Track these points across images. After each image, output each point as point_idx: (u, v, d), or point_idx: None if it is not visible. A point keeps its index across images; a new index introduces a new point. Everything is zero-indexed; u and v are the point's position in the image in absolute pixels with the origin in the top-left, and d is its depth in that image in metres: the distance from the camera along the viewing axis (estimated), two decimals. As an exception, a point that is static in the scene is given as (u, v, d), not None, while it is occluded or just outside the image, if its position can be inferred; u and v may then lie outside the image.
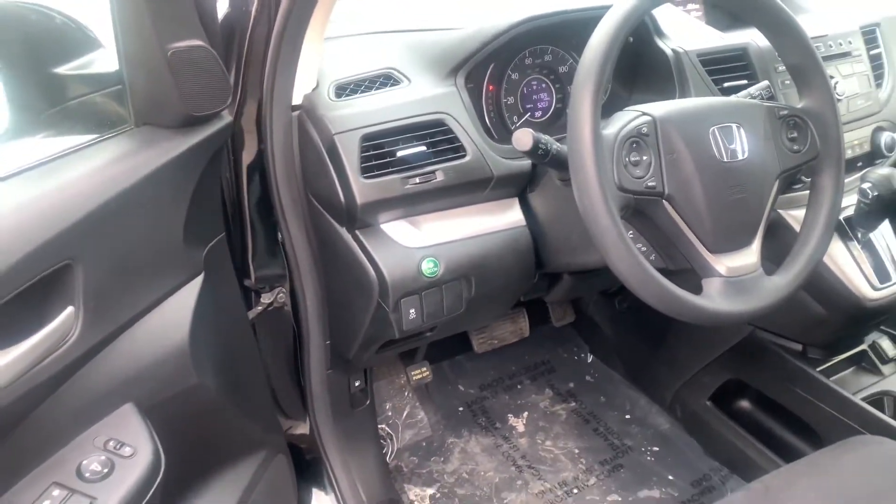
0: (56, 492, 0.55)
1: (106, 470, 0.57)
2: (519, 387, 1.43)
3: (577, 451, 1.30)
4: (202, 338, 0.71)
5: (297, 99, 0.82)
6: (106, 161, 0.62)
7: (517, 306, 1.40)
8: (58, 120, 0.65)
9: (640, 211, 0.72)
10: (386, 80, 0.87)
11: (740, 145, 0.74)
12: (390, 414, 1.31)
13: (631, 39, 0.95)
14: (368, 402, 1.15)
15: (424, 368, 1.28)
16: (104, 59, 0.69)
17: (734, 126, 0.74)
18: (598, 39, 0.68)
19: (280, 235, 0.90)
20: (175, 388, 0.68)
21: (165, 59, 0.62)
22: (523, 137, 0.72)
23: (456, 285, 0.86)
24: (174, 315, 0.68)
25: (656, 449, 1.30)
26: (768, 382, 1.15)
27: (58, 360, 0.56)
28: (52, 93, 0.66)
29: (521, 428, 1.35)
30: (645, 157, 0.71)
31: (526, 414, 1.38)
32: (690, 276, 0.75)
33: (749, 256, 0.74)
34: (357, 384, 1.11)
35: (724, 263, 0.73)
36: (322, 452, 1.07)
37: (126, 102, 0.66)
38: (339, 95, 0.84)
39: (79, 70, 0.67)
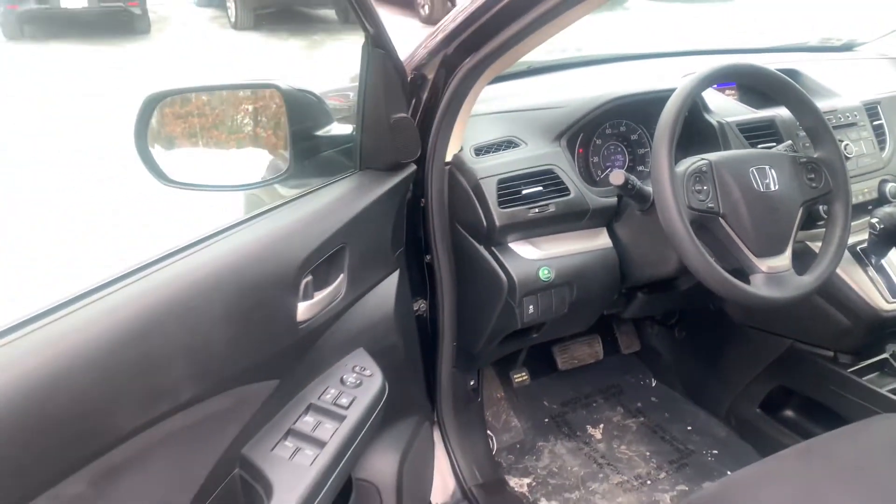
0: (332, 391, 0.85)
1: (358, 382, 0.87)
2: (594, 404, 1.69)
3: (647, 453, 1.55)
4: (398, 312, 1.02)
5: (448, 157, 1.16)
6: (350, 188, 0.95)
7: (593, 332, 1.69)
8: (312, 165, 1.00)
9: (703, 225, 1.03)
10: (509, 143, 1.20)
11: (772, 180, 1.05)
12: (490, 420, 1.58)
13: (686, 114, 1.29)
14: (479, 399, 1.43)
15: (524, 374, 1.57)
16: (335, 128, 1.04)
17: (767, 167, 1.05)
18: (669, 109, 1.01)
19: (428, 257, 1.21)
20: (383, 343, 0.98)
21: (389, 125, 0.97)
22: (618, 176, 1.04)
23: (563, 289, 1.17)
24: (385, 292, 1.00)
25: (716, 452, 1.54)
26: (808, 385, 1.40)
27: (333, 307, 0.87)
28: (311, 147, 1.00)
29: (598, 436, 1.60)
30: (705, 187, 1.02)
31: (602, 426, 1.63)
32: (737, 274, 1.04)
33: (783, 260, 1.04)
34: (471, 383, 1.40)
35: (765, 263, 1.02)
36: (443, 436, 1.34)
37: (355, 154, 1.00)
38: (477, 154, 1.17)
39: (325, 133, 1.02)
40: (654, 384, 1.75)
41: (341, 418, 0.82)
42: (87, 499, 0.56)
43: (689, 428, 1.61)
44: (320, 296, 0.84)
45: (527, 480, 1.47)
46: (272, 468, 0.74)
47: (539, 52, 1.12)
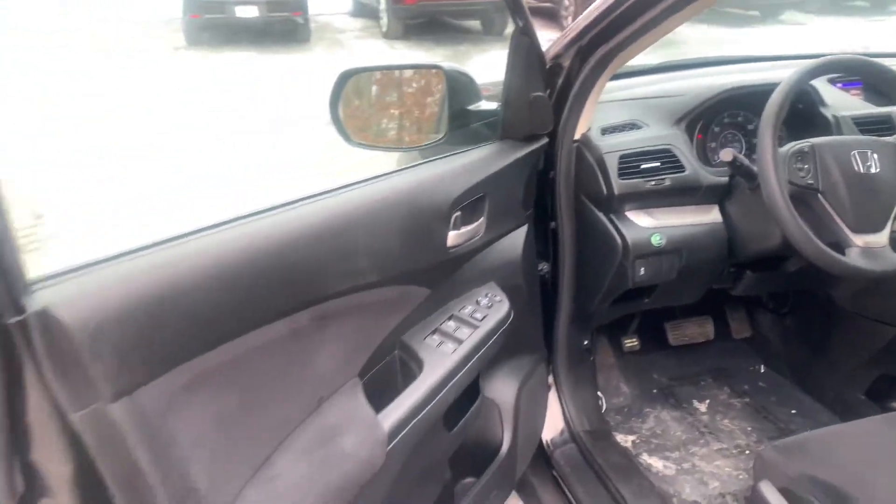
0: (469, 307, 1.06)
1: (490, 304, 1.08)
2: (702, 382, 1.80)
3: (749, 428, 1.64)
4: (524, 259, 1.22)
5: (577, 136, 1.34)
6: (492, 152, 1.16)
7: (705, 314, 1.80)
8: (462, 133, 1.22)
9: (803, 200, 1.15)
10: (632, 125, 1.37)
11: (874, 164, 1.15)
12: (601, 383, 1.73)
13: (801, 106, 1.39)
14: (592, 359, 1.59)
15: (634, 340, 1.72)
16: (483, 104, 1.26)
17: (869, 152, 1.15)
18: (775, 96, 1.14)
19: (553, 223, 1.40)
20: (511, 282, 1.18)
21: (528, 101, 1.17)
22: (727, 153, 1.19)
23: (672, 256, 1.32)
24: (515, 242, 1.20)
25: (818, 433, 1.60)
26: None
27: (474, 243, 1.08)
28: (463, 119, 1.23)
29: (703, 409, 1.71)
30: (806, 166, 1.14)
31: (708, 401, 1.74)
32: (834, 248, 1.14)
33: (881, 237, 1.13)
34: (585, 343, 1.57)
35: (861, 238, 1.12)
36: (556, 384, 1.52)
37: (497, 125, 1.21)
38: (603, 134, 1.35)
39: (475, 108, 1.24)
40: (762, 370, 1.82)
41: (475, 327, 1.03)
42: (308, 332, 0.81)
43: (794, 411, 1.68)
44: (465, 229, 1.05)
45: (631, 438, 1.62)
46: (424, 352, 0.96)
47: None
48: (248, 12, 8.78)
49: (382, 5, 9.40)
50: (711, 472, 1.51)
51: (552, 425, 1.50)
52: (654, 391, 1.76)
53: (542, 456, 1.50)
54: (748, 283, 1.46)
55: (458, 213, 1.03)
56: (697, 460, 1.54)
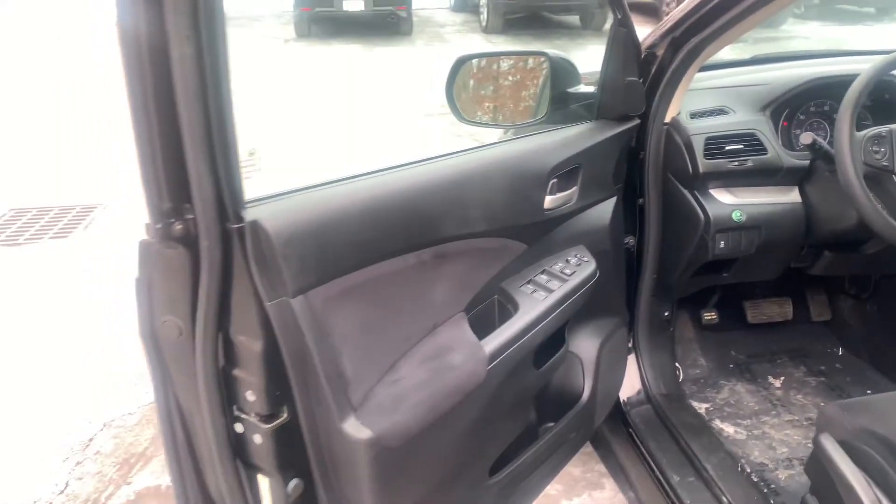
0: (560, 264, 1.22)
1: (578, 263, 1.24)
2: (779, 360, 1.88)
3: (822, 403, 1.72)
4: (612, 227, 1.37)
5: (667, 119, 1.47)
6: (588, 129, 1.32)
7: (784, 295, 1.89)
8: (561, 112, 1.38)
9: (878, 182, 1.24)
10: (720, 111, 1.49)
11: None
12: (679, 355, 1.85)
13: (887, 96, 1.47)
14: (672, 330, 1.72)
15: (713, 313, 1.83)
16: (581, 88, 1.42)
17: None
18: (855, 84, 1.24)
19: (641, 200, 1.53)
20: (598, 248, 1.33)
21: (623, 85, 1.32)
22: (807, 136, 1.29)
23: (752, 232, 1.43)
24: (605, 211, 1.35)
25: (892, 414, 1.67)
26: None
27: (567, 208, 1.24)
28: (563, 100, 1.39)
29: (777, 385, 1.80)
30: (883, 149, 1.23)
31: (783, 378, 1.82)
32: None
33: (955, 219, 1.21)
34: (665, 314, 1.69)
35: (935, 219, 1.21)
36: (636, 349, 1.65)
37: (594, 106, 1.37)
38: (692, 118, 1.47)
39: (574, 90, 1.40)
40: (840, 352, 1.88)
41: (564, 281, 1.19)
42: (429, 267, 0.99)
43: (869, 391, 1.74)
44: (560, 195, 1.22)
45: (705, 405, 1.73)
46: (519, 297, 1.13)
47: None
48: (355, 6, 9.17)
49: (483, 0, 9.57)
50: (781, 439, 1.60)
51: (630, 387, 1.64)
52: (731, 366, 1.86)
53: (619, 414, 1.64)
54: (826, 263, 1.55)
55: (555, 181, 1.20)
56: (768, 428, 1.64)
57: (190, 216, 0.72)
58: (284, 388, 0.82)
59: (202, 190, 0.70)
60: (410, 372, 0.96)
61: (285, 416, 0.83)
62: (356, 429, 0.85)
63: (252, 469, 0.86)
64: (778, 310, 1.88)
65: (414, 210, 0.97)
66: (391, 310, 0.96)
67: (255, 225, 0.76)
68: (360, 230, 0.89)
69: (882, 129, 1.25)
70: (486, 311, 1.15)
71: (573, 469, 2.05)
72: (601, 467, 1.99)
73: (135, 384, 2.42)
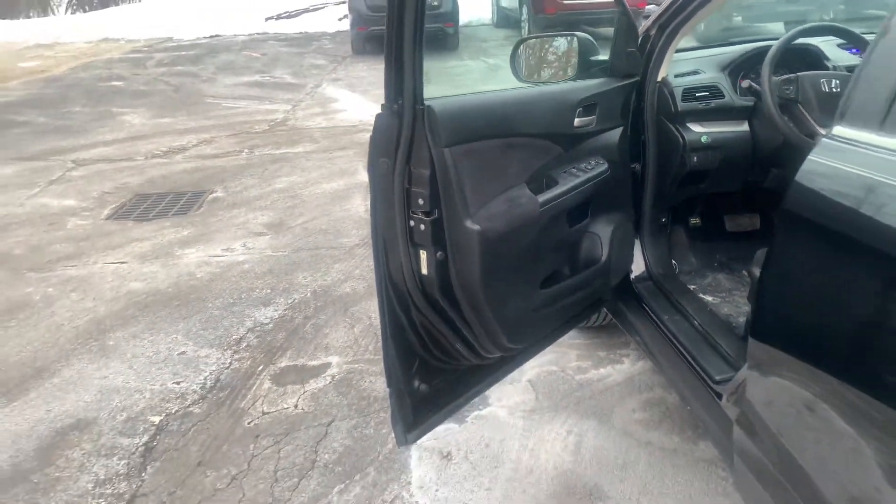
0: (583, 165, 1.95)
1: (595, 165, 1.95)
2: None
3: (780, 285, 2.39)
4: (620, 146, 2.08)
5: (658, 78, 2.19)
6: (603, 81, 2.04)
7: (755, 210, 2.57)
8: (584, 73, 2.12)
9: (788, 109, 1.93)
10: (694, 72, 2.20)
11: (836, 86, 1.91)
12: (675, 254, 2.53)
13: (808, 60, 2.16)
14: (668, 232, 2.42)
15: (698, 219, 2.52)
16: (599, 56, 2.15)
17: (833, 80, 1.92)
18: (769, 52, 1.95)
19: (643, 136, 2.24)
20: (610, 158, 2.03)
21: (626, 55, 2.05)
22: (746, 82, 2.00)
23: (715, 150, 2.13)
24: (613, 136, 2.06)
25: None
26: None
27: (589, 129, 1.95)
28: (587, 64, 2.12)
29: (748, 274, 2.47)
30: (791, 87, 1.93)
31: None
32: (808, 137, 1.91)
33: (838, 130, 1.90)
34: (662, 220, 2.39)
35: (825, 130, 1.90)
36: (641, 243, 2.34)
37: (608, 68, 2.09)
38: (675, 77, 2.19)
39: (594, 58, 2.13)
40: None
41: (587, 171, 1.92)
42: (512, 148, 1.73)
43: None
44: (584, 119, 1.94)
45: (693, 285, 2.41)
46: (558, 177, 1.85)
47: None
48: (407, 24, 10.03)
49: (524, 16, 10.35)
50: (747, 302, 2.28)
51: (636, 266, 2.34)
52: (715, 264, 2.54)
53: (630, 290, 2.34)
54: (773, 177, 2.24)
55: (580, 109, 1.92)
56: (738, 297, 2.32)
57: (401, 101, 1.48)
58: (437, 199, 1.57)
59: (407, 90, 1.46)
60: (498, 204, 1.68)
61: (436, 214, 1.57)
62: (471, 225, 1.59)
63: (416, 247, 1.60)
64: (748, 221, 2.56)
65: (508, 115, 1.72)
66: (491, 167, 1.68)
67: (429, 108, 1.51)
68: (480, 121, 1.64)
69: (791, 75, 1.95)
70: (538, 183, 1.87)
71: (598, 351, 2.76)
72: (623, 352, 2.71)
73: (258, 308, 3.23)
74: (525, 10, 10.53)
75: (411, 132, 1.50)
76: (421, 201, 1.55)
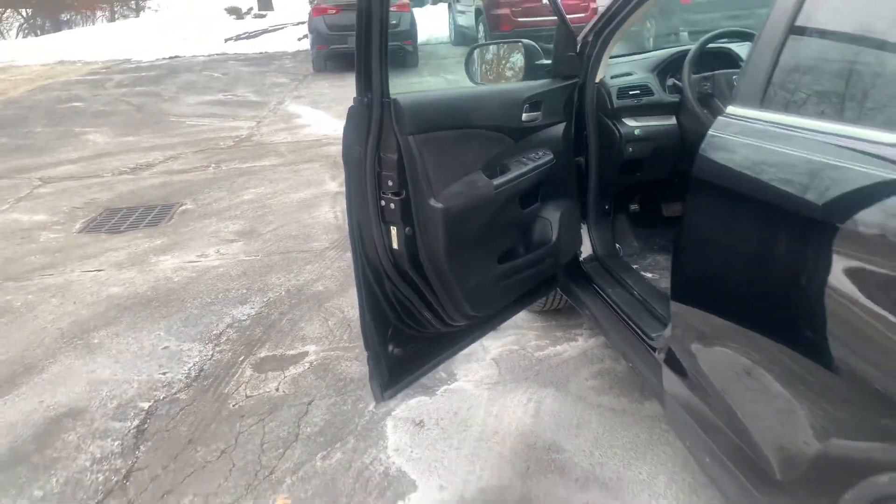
0: (532, 155, 2.22)
1: (542, 155, 2.22)
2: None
3: (711, 262, 2.68)
4: (564, 138, 2.35)
5: (597, 79, 2.47)
6: (546, 82, 2.32)
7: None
8: (531, 75, 2.39)
9: (707, 102, 2.23)
10: (627, 74, 2.49)
11: None
12: (619, 238, 2.81)
13: (723, 60, 2.47)
14: (611, 217, 2.70)
15: (636, 205, 2.80)
16: (542, 61, 2.43)
17: (742, 76, 2.23)
18: (689, 55, 2.25)
19: (584, 132, 2.52)
20: (555, 149, 2.29)
21: (567, 58, 2.33)
22: (671, 80, 2.30)
23: (647, 142, 2.42)
24: (557, 131, 2.32)
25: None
26: None
27: (535, 123, 2.22)
28: (532, 68, 2.39)
29: (684, 255, 2.76)
30: (708, 84, 2.23)
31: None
32: None
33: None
34: (606, 207, 2.67)
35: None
36: (588, 229, 2.61)
37: (551, 70, 2.37)
38: (611, 78, 2.47)
39: (539, 63, 2.40)
40: None
41: (535, 160, 2.18)
42: (469, 139, 1.97)
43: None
44: (531, 115, 2.20)
45: (635, 265, 2.69)
46: (510, 164, 2.10)
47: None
48: (366, 42, 10.33)
49: (481, 33, 10.74)
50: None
51: (584, 252, 2.61)
52: (655, 246, 2.83)
53: (579, 270, 2.60)
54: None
55: (527, 105, 2.19)
56: (674, 273, 2.59)
57: (369, 95, 1.71)
58: (404, 181, 1.81)
59: (375, 86, 1.71)
60: (458, 186, 1.92)
61: (404, 194, 1.81)
62: (435, 203, 1.83)
63: (387, 224, 1.84)
64: (682, 207, 2.85)
65: (463, 109, 1.97)
66: (451, 154, 1.93)
67: (395, 101, 1.75)
68: (440, 113, 1.89)
69: (708, 73, 2.25)
70: (493, 170, 2.12)
71: (555, 332, 3.02)
72: (577, 331, 2.97)
73: (235, 306, 3.41)
74: (482, 27, 10.93)
75: (380, 122, 1.74)
76: (390, 182, 1.79)
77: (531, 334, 3.00)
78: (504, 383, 2.64)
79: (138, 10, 25.78)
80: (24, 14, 23.58)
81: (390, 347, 1.94)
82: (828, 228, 1.15)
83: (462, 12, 12.53)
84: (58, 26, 23.43)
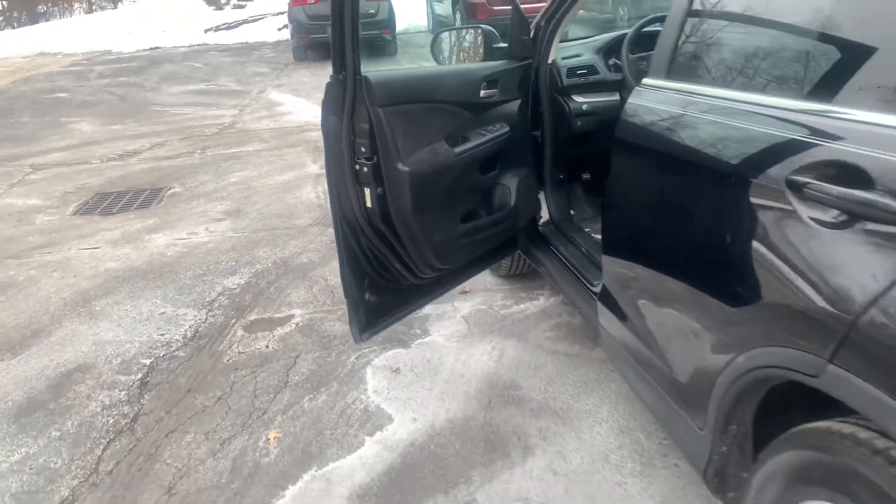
0: (490, 128, 2.51)
1: (499, 128, 2.52)
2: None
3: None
4: (521, 114, 2.64)
5: (549, 61, 2.76)
6: (502, 63, 2.60)
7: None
8: (490, 56, 2.68)
9: (641, 78, 2.53)
10: (576, 55, 2.79)
11: None
12: (573, 205, 3.11)
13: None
14: (565, 186, 3.00)
15: (588, 175, 3.10)
16: (499, 44, 2.71)
17: (674, 56, 2.53)
18: (626, 37, 2.54)
19: (540, 108, 2.81)
20: (512, 123, 2.59)
21: (520, 41, 2.61)
22: (612, 60, 2.59)
23: (594, 116, 2.72)
24: (513, 107, 2.62)
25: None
26: None
27: (492, 99, 2.51)
28: (491, 50, 2.68)
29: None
30: (644, 63, 2.52)
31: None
32: None
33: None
34: (560, 176, 2.96)
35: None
36: (546, 200, 2.91)
37: (508, 52, 2.66)
38: (562, 59, 2.76)
39: (496, 46, 2.69)
40: None
41: (493, 132, 2.47)
42: (432, 112, 2.25)
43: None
44: (488, 91, 2.48)
45: (587, 229, 2.99)
46: (469, 135, 2.39)
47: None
48: (346, 31, 10.55)
49: (458, 22, 10.98)
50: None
51: (543, 218, 2.91)
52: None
53: (537, 233, 2.90)
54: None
55: (485, 83, 2.47)
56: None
57: (343, 73, 1.99)
58: (375, 147, 2.09)
59: (349, 65, 1.98)
60: (423, 153, 2.20)
61: (375, 159, 2.09)
62: (402, 167, 2.11)
63: (361, 185, 2.12)
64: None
65: (427, 85, 2.25)
66: (416, 125, 2.20)
67: (365, 78, 2.03)
68: (406, 89, 2.16)
69: (644, 53, 2.54)
70: (454, 140, 2.40)
71: (520, 293, 3.32)
72: (539, 292, 3.27)
73: (219, 278, 3.68)
74: (458, 16, 11.16)
75: (353, 96, 2.02)
76: (363, 149, 2.07)
77: (498, 295, 3.30)
78: (472, 336, 2.94)
79: (115, 1, 25.67)
80: None
81: (367, 296, 2.23)
82: (724, 178, 1.43)
83: (440, 1, 12.76)
84: (34, 19, 23.33)
